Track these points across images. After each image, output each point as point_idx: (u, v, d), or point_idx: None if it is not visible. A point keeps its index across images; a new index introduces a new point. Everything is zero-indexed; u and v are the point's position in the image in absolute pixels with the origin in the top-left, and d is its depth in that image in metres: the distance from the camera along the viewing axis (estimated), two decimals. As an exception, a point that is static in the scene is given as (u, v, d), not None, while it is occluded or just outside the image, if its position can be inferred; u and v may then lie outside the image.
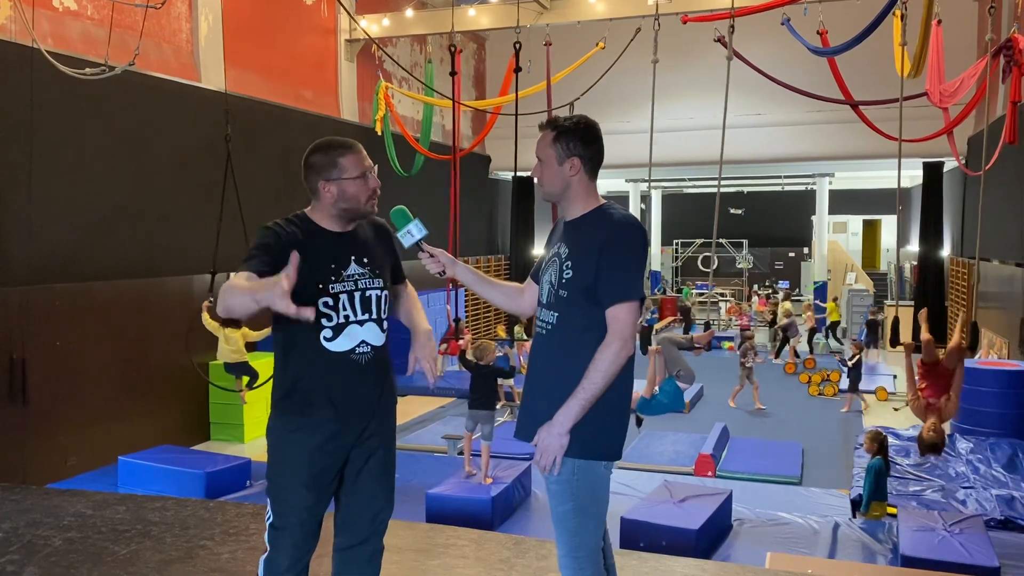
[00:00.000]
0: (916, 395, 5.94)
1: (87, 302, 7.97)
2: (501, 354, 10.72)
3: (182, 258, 9.15)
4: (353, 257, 2.57)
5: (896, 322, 7.46)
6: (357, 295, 2.54)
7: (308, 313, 2.10)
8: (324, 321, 2.49)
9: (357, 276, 2.55)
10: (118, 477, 7.36)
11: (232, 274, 2.46)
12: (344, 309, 2.51)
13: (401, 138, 13.14)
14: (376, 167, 2.62)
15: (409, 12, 13.07)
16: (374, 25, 13.07)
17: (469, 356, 7.09)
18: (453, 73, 9.33)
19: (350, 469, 2.59)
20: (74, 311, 7.82)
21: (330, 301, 2.50)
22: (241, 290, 2.20)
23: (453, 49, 9.26)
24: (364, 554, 2.65)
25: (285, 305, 2.05)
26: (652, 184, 23.36)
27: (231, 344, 8.19)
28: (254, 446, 9.25)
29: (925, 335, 6.13)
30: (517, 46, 9.17)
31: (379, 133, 12.16)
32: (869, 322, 15.36)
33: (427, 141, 13.22)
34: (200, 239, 9.06)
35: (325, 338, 2.49)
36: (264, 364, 9.53)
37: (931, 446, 5.77)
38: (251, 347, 9.05)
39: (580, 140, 2.51)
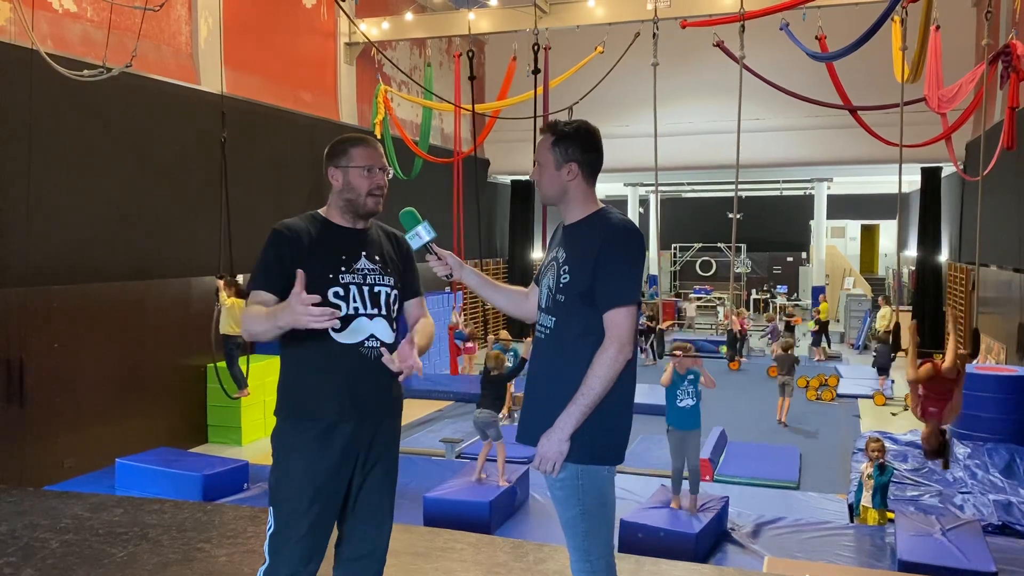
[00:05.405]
0: (918, 401, 5.90)
1: (85, 304, 7.96)
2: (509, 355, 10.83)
3: (180, 260, 9.15)
4: (364, 252, 2.57)
5: (897, 328, 7.48)
6: (366, 288, 2.53)
7: (328, 320, 2.23)
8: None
9: (367, 271, 2.55)
10: (115, 479, 7.34)
11: (247, 290, 2.52)
12: (354, 300, 2.50)
13: (400, 141, 13.17)
14: (391, 172, 2.63)
15: (409, 16, 13.08)
16: (374, 28, 13.08)
17: (490, 365, 7.35)
18: (472, 78, 9.48)
19: (356, 477, 2.52)
20: (72, 313, 7.81)
21: (340, 291, 2.48)
22: (262, 317, 2.35)
23: (471, 54, 9.39)
24: (371, 566, 2.58)
25: (306, 320, 2.21)
26: (650, 189, 23.39)
27: (233, 315, 8.18)
28: (252, 449, 9.24)
29: (920, 371, 5.86)
30: (535, 48, 9.31)
31: (378, 136, 12.18)
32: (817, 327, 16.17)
33: (426, 144, 13.25)
34: (198, 241, 9.07)
35: (333, 329, 2.45)
36: (266, 366, 9.54)
37: (930, 452, 5.77)
38: (251, 348, 9.05)
39: (579, 145, 2.51)
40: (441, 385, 12.50)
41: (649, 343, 15.27)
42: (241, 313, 2.55)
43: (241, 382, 8.69)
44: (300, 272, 2.25)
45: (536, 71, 9.42)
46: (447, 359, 14.11)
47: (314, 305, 2.36)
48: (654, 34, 8.67)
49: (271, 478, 2.52)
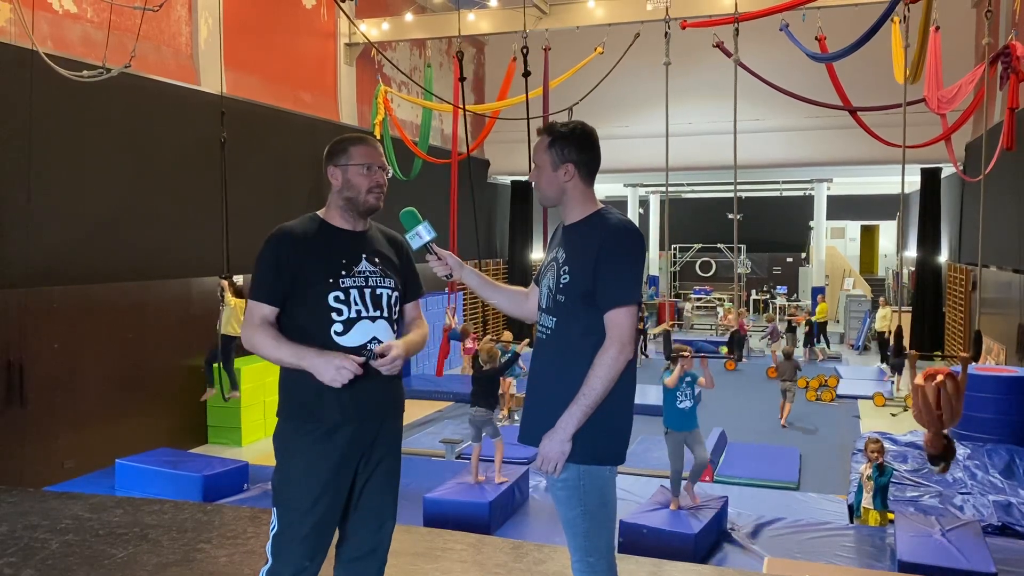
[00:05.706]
0: (919, 405, 5.85)
1: (85, 304, 7.96)
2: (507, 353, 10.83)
3: (180, 261, 9.15)
4: (364, 255, 2.57)
5: (899, 331, 7.48)
6: (367, 291, 2.52)
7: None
8: (334, 315, 2.46)
9: (368, 273, 2.54)
10: (115, 480, 7.35)
11: (243, 293, 2.51)
12: (356, 304, 2.49)
13: (400, 142, 13.16)
14: (390, 171, 2.64)
15: (409, 16, 13.09)
16: (374, 29, 13.08)
17: (482, 360, 7.32)
18: (462, 79, 9.38)
19: (359, 477, 2.53)
20: (72, 313, 7.81)
21: (341, 295, 2.48)
22: (284, 349, 2.42)
23: (460, 55, 9.32)
24: (372, 566, 2.59)
25: (333, 384, 2.37)
26: (650, 189, 23.43)
27: (236, 316, 8.18)
28: (252, 449, 9.24)
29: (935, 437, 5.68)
30: (524, 51, 9.29)
31: (378, 137, 12.18)
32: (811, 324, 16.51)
33: (426, 145, 13.24)
34: (198, 242, 9.07)
35: (336, 332, 2.46)
36: (265, 366, 9.54)
37: (934, 457, 5.74)
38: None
39: (575, 146, 2.52)
40: (441, 385, 12.51)
41: (639, 346, 15.25)
42: (243, 320, 2.53)
43: (221, 384, 8.70)
44: (358, 368, 2.40)
45: (526, 74, 9.38)
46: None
47: (322, 313, 2.45)
48: (666, 33, 8.68)
49: (274, 479, 2.52)
